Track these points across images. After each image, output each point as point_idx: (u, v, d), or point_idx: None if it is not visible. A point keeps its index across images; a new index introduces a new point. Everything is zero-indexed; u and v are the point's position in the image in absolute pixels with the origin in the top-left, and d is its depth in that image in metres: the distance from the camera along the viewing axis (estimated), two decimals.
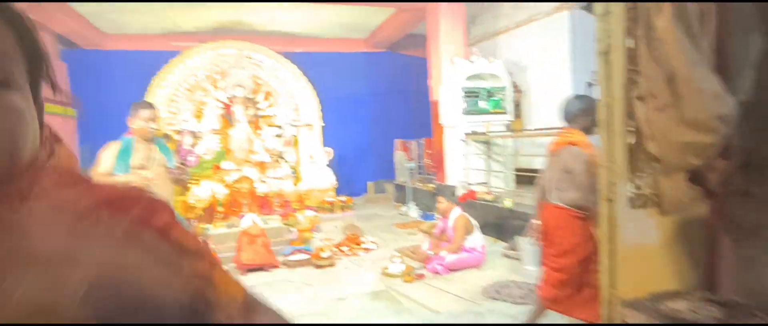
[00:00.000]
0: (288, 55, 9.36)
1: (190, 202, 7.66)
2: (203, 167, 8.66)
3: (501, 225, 5.54)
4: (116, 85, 8.86)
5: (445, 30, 6.88)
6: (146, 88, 8.48)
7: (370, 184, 10.73)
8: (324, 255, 4.84)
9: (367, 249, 5.41)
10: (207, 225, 6.13)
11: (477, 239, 4.61)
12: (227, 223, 5.76)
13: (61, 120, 8.27)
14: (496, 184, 6.75)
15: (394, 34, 9.44)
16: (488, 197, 5.93)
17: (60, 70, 8.36)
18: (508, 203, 5.45)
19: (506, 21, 7.81)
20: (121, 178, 2.81)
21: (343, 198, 8.32)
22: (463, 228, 4.52)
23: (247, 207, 7.76)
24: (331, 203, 8.15)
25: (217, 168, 8.62)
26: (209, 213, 7.55)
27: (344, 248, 5.41)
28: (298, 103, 9.40)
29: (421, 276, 4.35)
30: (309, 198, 8.42)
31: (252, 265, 4.69)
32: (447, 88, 6.69)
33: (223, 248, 5.16)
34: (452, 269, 4.42)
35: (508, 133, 6.57)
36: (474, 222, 4.67)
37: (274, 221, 5.87)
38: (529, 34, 7.24)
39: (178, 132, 8.59)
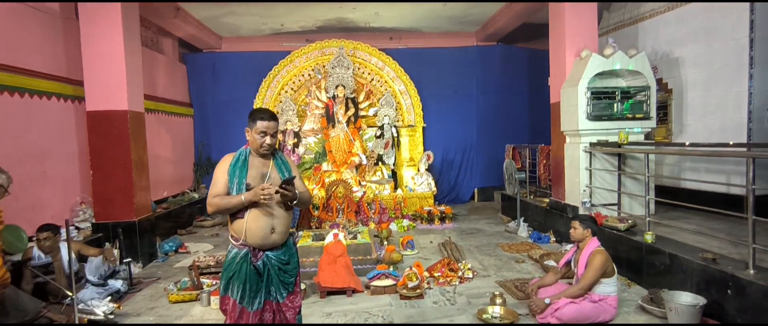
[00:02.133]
0: (391, 52, 8.91)
1: None
2: (304, 168, 8.63)
3: (636, 264, 4.35)
4: (231, 84, 9.26)
5: (571, 17, 5.71)
6: (257, 87, 8.72)
7: (477, 191, 9.82)
8: (411, 285, 4.21)
9: (463, 278, 4.64)
10: (298, 233, 5.91)
11: (612, 286, 3.57)
12: (314, 234, 5.44)
13: (181, 119, 8.84)
14: (631, 209, 5.45)
15: (508, 24, 8.37)
16: (619, 225, 4.72)
17: (180, 71, 8.96)
18: (649, 237, 4.23)
19: (653, 3, 6.31)
20: (234, 201, 2.47)
21: (443, 207, 7.59)
22: (600, 269, 3.51)
23: (342, 212, 7.49)
24: (429, 212, 7.49)
25: (318, 169, 8.53)
26: (304, 216, 7.44)
27: (437, 274, 4.73)
28: (401, 102, 8.91)
29: None
30: (406, 205, 7.87)
31: (331, 287, 4.26)
32: (570, 88, 5.54)
33: (307, 262, 4.84)
34: (571, 322, 3.46)
35: (650, 146, 5.20)
36: (613, 264, 3.63)
37: (364, 235, 5.38)
38: (686, 16, 5.71)
39: (282, 132, 8.68)
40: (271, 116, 2.64)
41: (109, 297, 4.10)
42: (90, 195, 5.43)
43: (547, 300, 3.50)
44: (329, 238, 4.67)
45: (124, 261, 4.68)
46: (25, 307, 3.41)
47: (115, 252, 4.51)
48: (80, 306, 3.70)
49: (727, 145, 3.86)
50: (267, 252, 2.62)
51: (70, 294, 3.41)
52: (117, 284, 4.39)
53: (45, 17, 5.15)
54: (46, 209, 4.92)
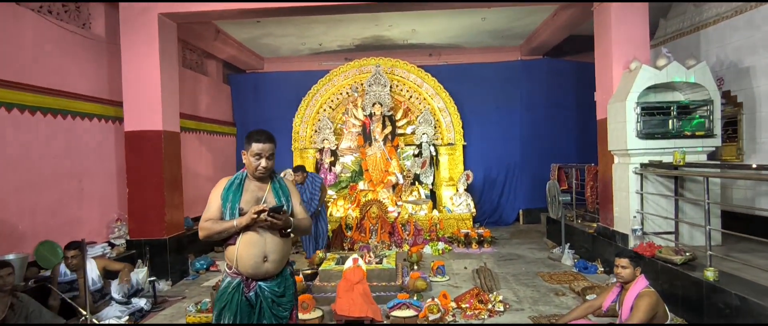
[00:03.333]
0: (430, 69, 8.70)
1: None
2: (340, 187, 8.54)
3: (695, 304, 3.76)
4: (272, 103, 9.43)
5: (619, 25, 5.22)
6: (297, 105, 8.80)
7: (522, 213, 9.26)
8: (432, 317, 3.90)
9: (493, 311, 4.25)
10: (324, 254, 5.76)
11: None
12: (339, 257, 5.26)
13: (224, 138, 9.09)
14: (691, 239, 4.80)
15: (553, 37, 7.91)
16: (675, 257, 4.14)
17: (224, 92, 9.24)
18: (710, 273, 3.65)
19: (718, 7, 5.67)
20: (225, 225, 2.35)
21: (482, 230, 7.17)
22: (649, 313, 3.03)
23: (376, 233, 7.27)
24: (466, 235, 7.09)
25: (354, 188, 8.41)
26: (338, 236, 7.30)
27: (465, 305, 4.36)
28: (440, 120, 8.63)
29: None
30: (443, 227, 7.52)
31: (348, 316, 4.03)
32: (618, 103, 5.04)
33: (328, 287, 4.66)
34: None
35: (710, 168, 4.57)
36: (666, 308, 3.13)
37: (391, 260, 5.13)
38: (757, 20, 5.05)
39: (319, 150, 8.67)
40: (268, 138, 2.50)
41: (129, 317, 4.12)
42: (126, 213, 5.60)
43: None
44: (349, 263, 4.46)
45: (149, 279, 4.73)
46: (42, 321, 3.47)
47: (139, 272, 4.55)
48: (100, 323, 3.73)
49: None
50: (260, 283, 2.45)
51: (84, 312, 3.43)
52: (140, 302, 4.42)
53: (91, 43, 5.45)
54: (84, 225, 5.11)
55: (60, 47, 5.00)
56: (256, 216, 2.29)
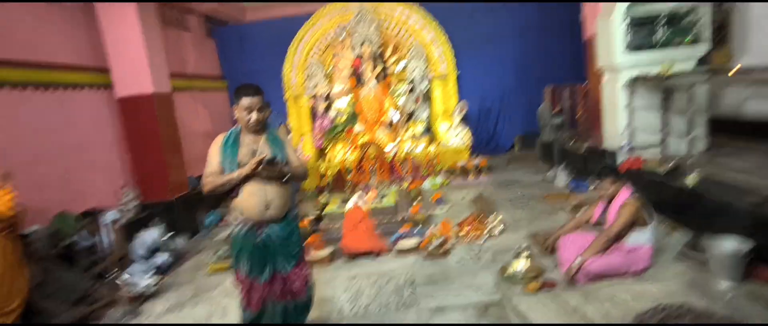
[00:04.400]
0: (417, 0, 8.45)
1: (321, 170, 7.74)
2: (336, 131, 8.63)
3: (680, 208, 3.98)
4: (259, 53, 9.30)
5: None
6: (285, 53, 8.67)
7: (518, 139, 9.40)
8: (434, 243, 4.15)
9: (492, 233, 4.51)
10: (327, 198, 5.99)
11: (646, 236, 3.30)
12: (342, 199, 5.47)
13: (215, 94, 9.07)
14: (678, 148, 4.95)
15: None
16: (660, 168, 4.30)
17: (209, 47, 9.09)
18: (691, 179, 3.83)
19: None
20: (226, 178, 2.52)
21: (478, 160, 7.34)
22: (627, 220, 3.26)
23: (375, 173, 7.47)
24: (462, 167, 7.28)
25: (351, 131, 8.49)
26: (339, 180, 7.51)
27: (467, 228, 4.62)
28: (431, 53, 8.52)
29: (551, 285, 3.34)
30: (441, 160, 7.70)
31: (356, 251, 4.30)
32: (605, 18, 4.98)
33: (334, 228, 4.91)
34: (599, 276, 3.27)
35: (699, 75, 4.61)
36: (649, 213, 3.34)
37: (390, 197, 5.34)
38: None
39: (313, 97, 8.67)
40: (256, 91, 2.60)
41: (154, 271, 4.40)
42: (132, 179, 5.76)
43: (577, 260, 3.28)
44: (349, 205, 4.67)
45: (167, 236, 4.98)
46: (74, 285, 3.74)
47: (155, 229, 4.78)
48: (126, 280, 4.00)
49: None
50: (267, 227, 2.65)
51: (114, 270, 3.68)
52: (163, 256, 4.70)
53: (61, 9, 5.29)
54: (93, 195, 5.28)
55: (37, 19, 4.90)
56: (255, 166, 2.44)
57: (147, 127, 5.49)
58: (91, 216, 4.24)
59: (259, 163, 2.44)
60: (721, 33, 5.45)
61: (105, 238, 4.25)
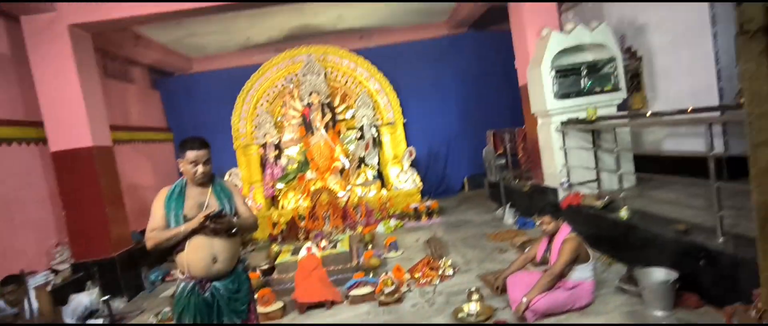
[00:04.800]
0: (363, 52, 8.80)
1: (273, 218, 7.60)
2: (288, 178, 8.57)
3: (615, 242, 4.26)
4: (206, 104, 9.21)
5: None
6: (233, 103, 8.64)
7: (467, 180, 9.73)
8: (387, 290, 4.15)
9: (444, 276, 4.57)
10: (279, 248, 5.86)
11: (587, 272, 3.48)
12: (294, 247, 5.38)
13: (161, 145, 8.80)
14: (611, 185, 5.35)
15: (474, 11, 8.25)
16: (596, 203, 4.63)
17: (154, 98, 8.90)
18: (623, 213, 4.14)
19: None
20: (171, 233, 2.43)
21: (429, 203, 7.51)
22: (570, 257, 3.42)
23: (329, 220, 7.43)
24: (415, 210, 7.41)
25: (303, 178, 8.46)
26: (292, 228, 7.39)
27: (418, 274, 4.66)
28: (378, 101, 8.81)
29: (502, 325, 3.41)
30: (393, 204, 7.80)
31: (309, 302, 4.20)
32: (535, 69, 5.44)
33: (286, 278, 4.79)
34: (546, 313, 3.39)
35: (621, 119, 5.09)
36: (589, 250, 3.53)
37: (344, 243, 5.32)
38: None
39: (262, 146, 8.62)
40: (201, 144, 2.58)
41: None
42: (66, 236, 5.39)
43: (524, 300, 3.39)
44: (302, 252, 4.61)
45: (103, 299, 4.64)
46: None
47: (90, 293, 4.46)
48: None
49: (685, 111, 3.75)
50: (214, 283, 2.56)
51: None
52: (98, 322, 4.36)
53: None
54: (20, 256, 4.87)
55: None
56: (203, 220, 2.39)
57: (86, 181, 5.22)
58: (16, 280, 3.88)
59: (206, 217, 2.40)
60: (634, 81, 6.09)
61: (33, 305, 3.89)
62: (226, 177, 8.08)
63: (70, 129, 5.20)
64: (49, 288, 4.56)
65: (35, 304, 3.92)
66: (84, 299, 4.39)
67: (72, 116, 5.19)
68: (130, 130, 7.66)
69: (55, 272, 5.14)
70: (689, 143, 5.15)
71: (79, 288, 5.02)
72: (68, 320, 4.24)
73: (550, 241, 3.71)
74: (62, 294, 4.74)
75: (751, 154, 0.76)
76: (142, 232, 6.90)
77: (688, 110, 3.61)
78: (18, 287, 3.83)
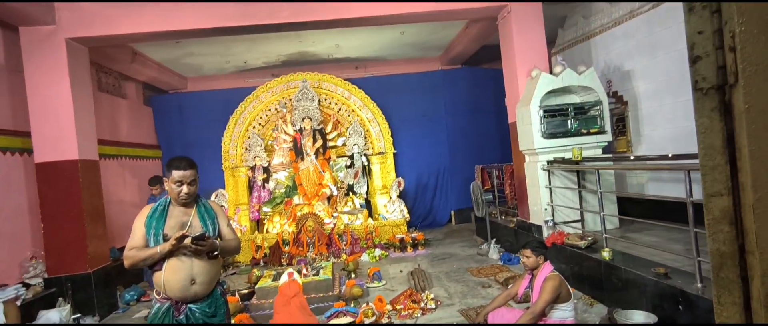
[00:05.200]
0: (357, 81, 8.96)
1: (257, 242, 7.50)
2: (275, 203, 8.52)
3: (597, 282, 4.28)
4: (198, 123, 9.20)
5: (520, 37, 5.79)
6: (225, 124, 8.67)
7: (453, 213, 9.75)
8: (367, 321, 4.09)
9: (426, 309, 4.52)
10: (261, 272, 5.77)
11: (569, 311, 3.47)
12: (275, 273, 5.31)
13: (148, 162, 8.73)
14: (595, 225, 5.41)
15: (468, 48, 8.49)
16: (580, 242, 4.67)
17: (146, 114, 8.90)
18: (606, 254, 4.17)
19: (602, 19, 6.43)
20: (148, 253, 2.39)
21: (415, 234, 7.49)
22: (551, 295, 3.41)
23: (313, 246, 7.36)
24: (401, 240, 7.38)
25: (290, 203, 8.42)
26: (275, 253, 7.29)
27: (400, 306, 4.60)
28: (369, 131, 8.90)
29: None
30: (378, 234, 7.76)
31: None
32: (523, 107, 5.57)
33: (266, 304, 4.70)
34: None
35: (605, 161, 5.20)
36: (571, 289, 3.53)
37: (327, 271, 5.26)
38: (633, 30, 5.81)
39: (251, 168, 8.60)
40: (188, 165, 2.57)
41: None
42: (42, 250, 5.26)
43: None
44: (284, 278, 4.54)
45: (73, 317, 4.50)
46: None
47: (60, 310, 4.33)
48: None
49: (666, 157, 3.86)
50: (190, 305, 2.51)
51: None
52: None
53: None
54: None
55: None
56: (175, 243, 2.35)
57: (68, 194, 5.15)
58: None
59: (180, 238, 2.37)
60: (619, 125, 6.25)
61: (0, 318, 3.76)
62: (213, 197, 8.00)
63: (58, 141, 5.17)
64: (18, 302, 4.42)
65: (1, 319, 3.79)
66: (53, 316, 4.26)
67: (61, 128, 5.17)
68: (119, 145, 7.62)
69: (27, 286, 4.99)
70: (670, 188, 5.27)
71: (51, 304, 4.88)
72: None
73: (532, 278, 3.71)
74: (32, 309, 4.60)
75: (705, 204, 0.81)
76: (121, 249, 6.77)
77: (669, 156, 3.71)
78: None
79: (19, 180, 5.32)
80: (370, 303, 4.35)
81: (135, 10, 5.25)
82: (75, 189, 5.18)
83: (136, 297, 5.83)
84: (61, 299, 4.96)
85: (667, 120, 5.38)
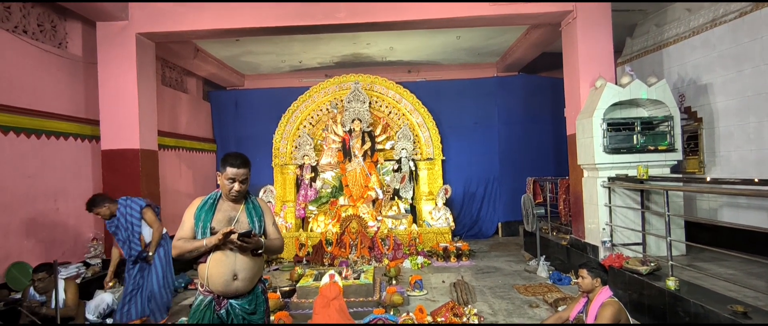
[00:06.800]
0: (408, 85, 8.86)
1: (300, 240, 7.58)
2: (320, 202, 8.58)
3: (659, 312, 3.91)
4: (252, 120, 9.48)
5: (584, 44, 5.46)
6: (278, 122, 8.86)
7: (501, 225, 9.41)
8: None
9: (467, 325, 4.32)
10: (303, 270, 5.79)
11: None
12: (317, 273, 5.30)
13: (204, 155, 9.08)
14: (658, 250, 4.98)
15: (527, 54, 8.17)
16: (641, 268, 4.29)
17: (204, 109, 9.26)
18: (671, 283, 3.80)
19: (677, 28, 5.96)
20: (194, 245, 2.41)
21: (460, 244, 7.27)
22: (611, 319, 3.14)
23: (356, 248, 7.33)
24: (444, 249, 7.19)
25: (335, 203, 8.45)
26: (318, 252, 7.33)
27: (440, 319, 4.43)
28: (419, 135, 8.77)
29: None
30: (422, 241, 7.61)
31: None
32: (585, 119, 5.24)
33: (306, 303, 4.70)
34: None
35: (675, 181, 4.77)
36: (629, 317, 3.25)
37: (368, 275, 5.18)
38: (715, 40, 5.33)
39: (300, 166, 8.72)
40: (243, 163, 2.55)
41: None
42: (102, 232, 5.56)
43: None
44: (325, 279, 4.51)
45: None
46: None
47: (115, 291, 4.52)
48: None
49: (752, 182, 3.43)
50: (231, 301, 2.50)
51: None
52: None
53: (67, 62, 5.46)
54: (59, 245, 5.05)
55: (35, 67, 5.00)
56: (222, 238, 2.35)
57: (128, 180, 5.41)
58: (48, 269, 3.99)
59: (226, 234, 2.36)
60: (691, 143, 5.74)
61: (60, 295, 3.97)
62: (261, 193, 8.18)
63: (122, 130, 5.45)
64: (78, 280, 4.67)
65: (62, 295, 4.00)
66: (107, 297, 4.45)
67: (126, 118, 5.44)
68: (177, 137, 7.96)
69: (87, 265, 5.28)
70: (749, 215, 4.75)
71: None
72: (90, 316, 4.29)
73: (587, 302, 3.44)
74: (90, 288, 4.85)
75: None
76: (173, 237, 7.05)
77: (755, 181, 3.31)
78: (48, 275, 3.93)
79: (86, 165, 5.66)
80: (411, 313, 4.22)
81: (199, 8, 5.44)
82: (135, 176, 5.44)
83: (183, 285, 6.02)
84: (115, 280, 5.19)
85: (750, 141, 4.87)
